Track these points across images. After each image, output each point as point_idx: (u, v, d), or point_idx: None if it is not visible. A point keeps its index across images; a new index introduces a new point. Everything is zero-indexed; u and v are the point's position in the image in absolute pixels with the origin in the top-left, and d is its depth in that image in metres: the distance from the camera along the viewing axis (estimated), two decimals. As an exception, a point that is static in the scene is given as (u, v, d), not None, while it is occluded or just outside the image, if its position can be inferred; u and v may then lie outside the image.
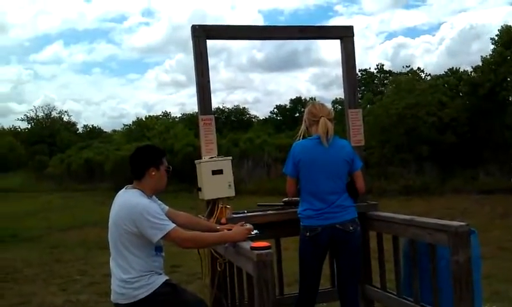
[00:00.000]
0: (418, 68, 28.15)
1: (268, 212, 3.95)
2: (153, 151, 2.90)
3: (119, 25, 69.90)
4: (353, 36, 4.14)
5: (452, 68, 23.66)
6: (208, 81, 3.76)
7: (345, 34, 4.12)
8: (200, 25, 3.73)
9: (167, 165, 2.89)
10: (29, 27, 66.33)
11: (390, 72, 34.13)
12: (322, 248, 3.33)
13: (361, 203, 4.05)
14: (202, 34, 3.72)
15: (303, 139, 3.43)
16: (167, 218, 2.73)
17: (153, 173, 2.81)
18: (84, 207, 16.94)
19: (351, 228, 3.26)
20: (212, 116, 3.77)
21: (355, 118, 4.11)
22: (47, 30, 67.03)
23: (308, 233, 3.28)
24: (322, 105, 3.42)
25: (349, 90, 4.14)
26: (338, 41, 4.18)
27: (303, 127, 3.45)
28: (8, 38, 63.36)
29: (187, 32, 3.78)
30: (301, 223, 3.36)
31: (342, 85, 4.20)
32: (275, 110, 43.12)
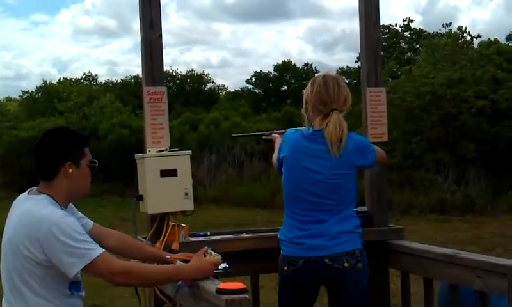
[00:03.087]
0: (462, 28, 28.56)
1: (243, 235, 3.97)
2: (71, 137, 2.87)
3: None
4: (377, -24, 4.19)
5: (514, 29, 24.18)
6: (160, 35, 3.75)
7: (365, -25, 4.16)
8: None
9: (90, 159, 2.87)
10: None
11: (420, 32, 34.62)
12: (306, 291, 3.38)
13: (379, 227, 4.11)
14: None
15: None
16: (91, 239, 2.70)
17: (71, 171, 2.77)
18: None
19: (345, 264, 3.28)
20: (164, 89, 3.76)
21: (376, 101, 4.16)
22: None
23: (285, 267, 3.36)
24: (339, 84, 3.38)
25: (369, 59, 4.18)
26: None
27: (304, 113, 3.47)
28: None
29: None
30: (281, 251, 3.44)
31: (358, 50, 4.24)
32: (252, 79, 43.29)
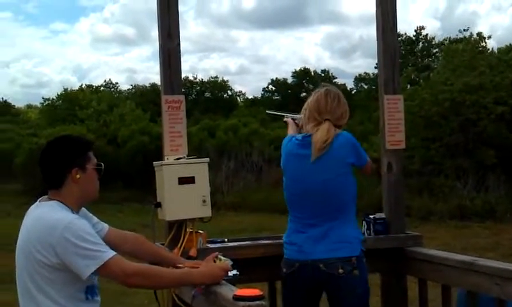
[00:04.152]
0: (481, 35, 28.33)
1: (260, 242, 3.97)
2: (74, 143, 2.90)
3: None
4: (394, -16, 4.19)
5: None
6: (178, 44, 3.78)
7: (383, -18, 4.17)
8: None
9: (96, 162, 2.89)
10: None
11: (435, 41, 34.40)
12: (304, 294, 3.39)
13: (397, 234, 4.10)
14: (170, -28, 3.73)
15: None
16: (103, 242, 2.72)
17: (78, 176, 2.79)
18: (-20, 219, 16.84)
19: (340, 270, 3.28)
20: (182, 97, 3.79)
21: (394, 108, 4.16)
22: None
23: (284, 269, 3.44)
24: (339, 99, 3.44)
25: (386, 67, 4.18)
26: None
27: (301, 116, 3.54)
28: None
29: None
30: None
31: (376, 57, 4.25)
32: (270, 86, 43.40)
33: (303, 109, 3.51)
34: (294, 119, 3.76)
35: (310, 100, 3.47)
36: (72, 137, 2.99)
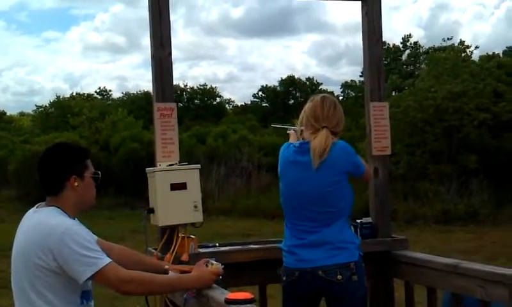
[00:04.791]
0: (463, 43, 28.60)
1: (251, 246, 3.98)
2: (73, 151, 2.90)
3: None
4: (381, -4, 4.22)
5: (515, 43, 24.21)
6: (170, 53, 3.79)
7: (369, -6, 4.19)
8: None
9: (93, 170, 2.90)
10: None
11: (419, 47, 34.59)
12: (305, 301, 3.39)
13: (384, 238, 4.12)
14: (162, -18, 3.74)
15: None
16: (99, 248, 2.73)
17: (76, 184, 2.80)
18: (-26, 225, 16.74)
19: (338, 276, 3.27)
20: (174, 105, 3.80)
21: (380, 115, 4.19)
22: None
23: (284, 278, 3.41)
24: (335, 107, 3.45)
25: (372, 75, 4.22)
26: (356, 3, 4.28)
27: (298, 126, 3.53)
28: None
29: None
30: None
31: (362, 64, 4.28)
32: (259, 93, 43.37)
33: (300, 117, 3.50)
34: (295, 131, 3.77)
35: (307, 107, 3.46)
36: (70, 145, 2.99)
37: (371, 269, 4.13)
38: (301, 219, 3.36)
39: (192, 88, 42.26)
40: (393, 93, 22.20)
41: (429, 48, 33.23)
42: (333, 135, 3.36)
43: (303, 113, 3.47)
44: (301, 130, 3.49)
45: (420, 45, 35.04)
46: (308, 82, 42.62)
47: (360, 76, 33.82)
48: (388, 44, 34.38)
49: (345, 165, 3.34)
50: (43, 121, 34.02)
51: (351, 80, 40.28)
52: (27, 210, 2.86)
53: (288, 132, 3.86)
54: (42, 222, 2.68)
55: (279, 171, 3.50)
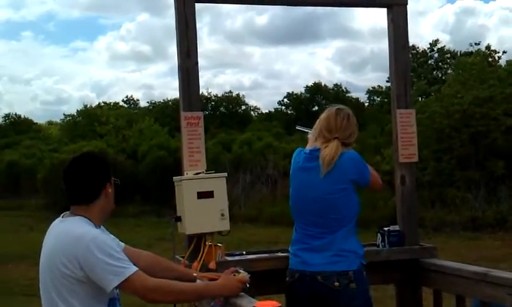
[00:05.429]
0: (489, 48, 28.26)
1: (278, 254, 3.97)
2: (104, 160, 2.96)
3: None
4: (406, 3, 4.20)
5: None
6: (197, 63, 3.82)
7: (394, 2, 4.17)
8: (186, -17, 3.77)
9: (113, 178, 2.94)
10: None
11: (447, 52, 34.33)
12: (303, 304, 3.39)
13: (412, 246, 4.08)
14: (189, -7, 3.76)
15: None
16: (125, 257, 2.75)
17: (110, 191, 2.85)
18: (4, 233, 16.97)
19: (336, 283, 3.29)
20: (201, 114, 3.82)
21: (406, 123, 4.16)
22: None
23: (287, 278, 3.48)
24: (348, 119, 3.47)
25: (399, 82, 4.19)
26: (382, 9, 4.27)
27: (313, 133, 3.56)
28: None
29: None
30: None
31: (388, 70, 4.28)
32: (285, 100, 43.41)
33: (315, 125, 3.54)
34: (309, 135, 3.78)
35: (322, 117, 3.51)
36: (100, 154, 3.06)
37: (399, 277, 4.12)
38: (307, 224, 3.43)
39: (217, 96, 42.48)
40: (420, 99, 22.00)
41: (456, 52, 33.00)
42: (345, 146, 3.40)
43: (318, 122, 3.52)
44: (315, 138, 3.51)
45: (448, 50, 34.71)
46: (335, 89, 42.54)
47: (387, 81, 33.64)
48: (417, 48, 34.12)
49: (351, 174, 3.38)
50: (71, 130, 34.40)
51: (378, 86, 40.10)
52: (54, 219, 2.88)
53: (308, 136, 3.88)
54: (69, 231, 2.70)
55: (290, 175, 3.57)
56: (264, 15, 62.16)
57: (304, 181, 3.44)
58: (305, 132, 4.00)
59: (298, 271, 3.39)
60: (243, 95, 44.36)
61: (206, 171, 3.76)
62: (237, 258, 3.82)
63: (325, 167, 3.31)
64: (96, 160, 2.91)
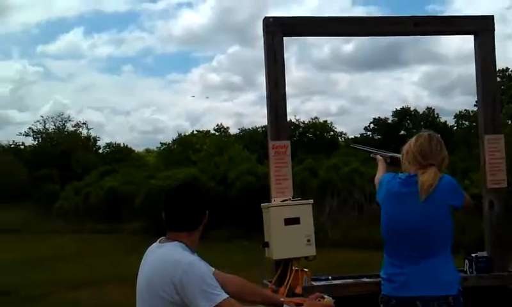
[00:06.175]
0: None
1: (363, 279, 3.93)
2: (206, 191, 3.02)
3: (152, 5, 73.15)
4: (494, 30, 4.13)
5: None
6: (284, 94, 3.86)
7: (481, 28, 4.12)
8: (275, 18, 3.85)
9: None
10: (38, 8, 70.77)
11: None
12: None
13: (501, 273, 3.94)
14: (278, 29, 3.84)
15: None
16: (218, 283, 2.79)
17: (206, 221, 2.92)
18: (104, 255, 17.44)
19: None
20: (288, 143, 3.86)
21: (494, 148, 4.05)
22: (61, 13, 71.54)
23: (381, 305, 3.39)
24: (441, 145, 3.42)
25: (486, 107, 4.11)
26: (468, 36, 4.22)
27: (402, 158, 3.51)
28: (10, 24, 67.76)
29: (243, 16, 3.93)
30: None
31: (475, 94, 4.19)
32: (371, 125, 42.86)
33: (403, 149, 3.49)
34: (382, 157, 3.75)
35: (413, 143, 3.45)
36: (201, 185, 3.12)
37: (487, 304, 3.96)
38: (402, 248, 3.34)
39: (304, 122, 42.55)
40: (509, 122, 21.19)
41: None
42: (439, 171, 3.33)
43: (408, 147, 3.46)
44: (406, 164, 3.45)
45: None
46: (425, 111, 41.73)
47: (475, 105, 32.64)
48: (510, 70, 33.01)
49: (450, 199, 3.31)
50: (166, 157, 35.28)
51: (465, 110, 38.97)
52: (151, 243, 2.96)
53: (372, 156, 3.84)
54: (167, 256, 2.77)
55: (380, 200, 3.50)
56: (350, 43, 61.77)
57: (400, 207, 3.37)
58: (361, 149, 3.98)
59: (395, 297, 3.30)
60: (330, 122, 44.09)
61: (293, 197, 3.79)
62: (322, 283, 3.81)
63: (424, 193, 3.26)
64: (200, 191, 2.97)
